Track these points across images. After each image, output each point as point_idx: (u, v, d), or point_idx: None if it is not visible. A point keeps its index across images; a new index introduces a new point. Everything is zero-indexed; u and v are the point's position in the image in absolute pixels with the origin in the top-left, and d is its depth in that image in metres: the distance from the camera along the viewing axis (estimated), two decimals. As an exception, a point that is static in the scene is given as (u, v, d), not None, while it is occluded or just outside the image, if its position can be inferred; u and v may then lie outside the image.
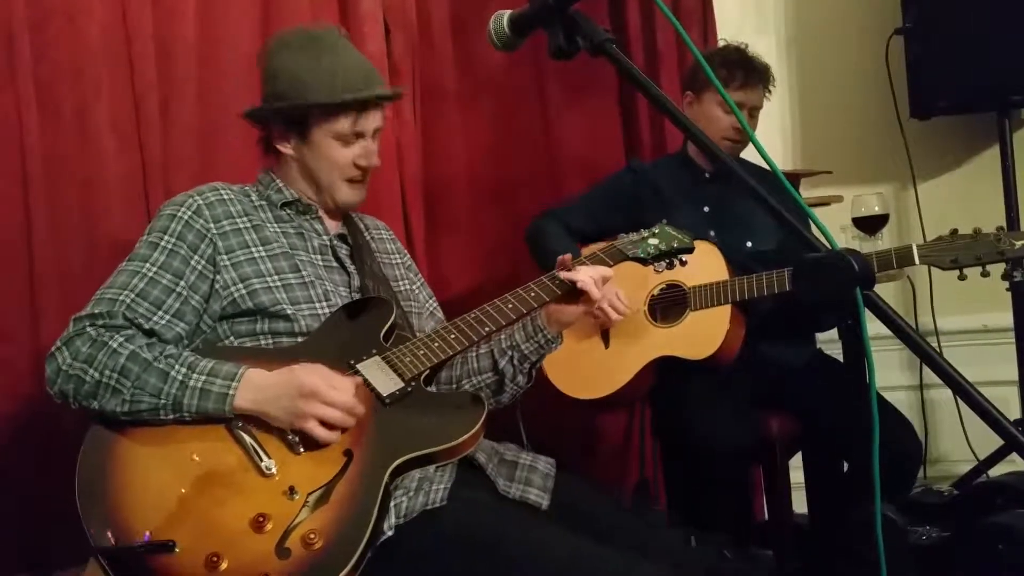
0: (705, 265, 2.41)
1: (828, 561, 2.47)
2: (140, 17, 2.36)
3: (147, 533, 1.41)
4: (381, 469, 1.49)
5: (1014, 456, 2.88)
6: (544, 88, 3.11)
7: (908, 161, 3.20)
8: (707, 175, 2.63)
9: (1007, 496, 2.44)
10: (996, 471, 2.84)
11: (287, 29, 1.94)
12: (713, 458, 2.31)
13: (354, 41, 2.71)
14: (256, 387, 1.50)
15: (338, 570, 1.38)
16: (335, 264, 1.79)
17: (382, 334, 1.67)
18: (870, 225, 2.57)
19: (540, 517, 1.57)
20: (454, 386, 1.83)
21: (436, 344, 1.66)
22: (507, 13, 1.35)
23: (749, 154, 2.71)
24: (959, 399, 1.03)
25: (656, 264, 1.94)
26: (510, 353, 1.79)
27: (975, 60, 2.85)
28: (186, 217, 1.67)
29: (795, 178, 3.10)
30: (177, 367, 1.51)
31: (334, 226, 1.85)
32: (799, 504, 2.59)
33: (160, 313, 1.60)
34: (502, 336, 1.81)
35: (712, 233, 2.53)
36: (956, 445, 3.15)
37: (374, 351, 1.64)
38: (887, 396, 2.50)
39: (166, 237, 1.65)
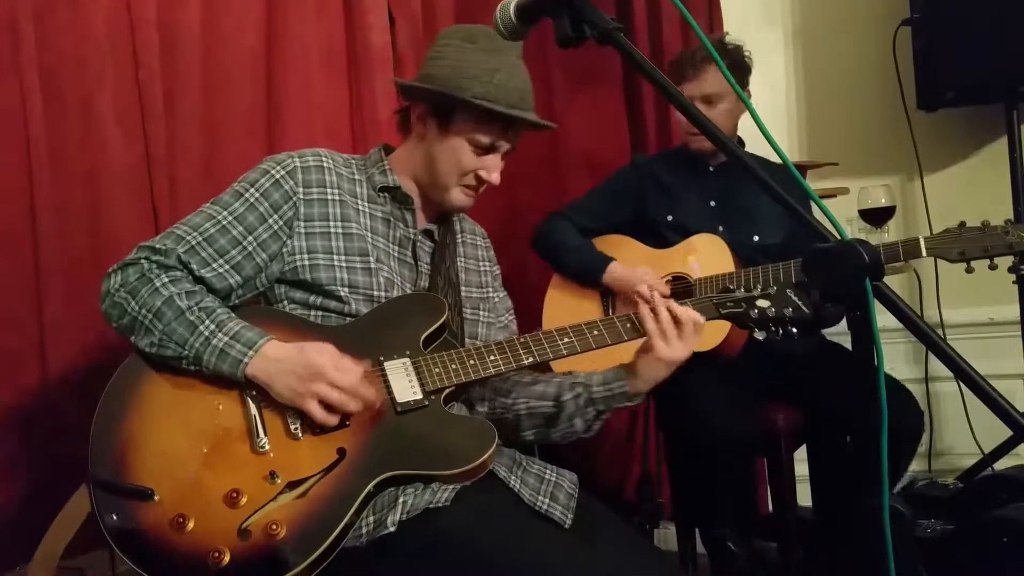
0: (712, 258, 2.41)
1: (833, 553, 2.47)
2: (144, 6, 2.35)
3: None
4: (366, 478, 1.46)
5: (1019, 450, 2.89)
6: (549, 80, 3.09)
7: (915, 153, 3.18)
8: (711, 168, 2.62)
9: (1012, 490, 2.44)
10: (1001, 465, 2.84)
11: (471, 25, 1.86)
12: (717, 451, 2.30)
13: (358, 32, 2.74)
14: (268, 359, 1.50)
15: (290, 567, 1.38)
16: (409, 260, 1.75)
17: (423, 336, 1.62)
18: (876, 217, 2.55)
19: (544, 531, 1.55)
20: (509, 400, 1.75)
21: (472, 362, 1.60)
22: (514, 1, 1.34)
23: (759, 147, 2.70)
24: (967, 390, 1.02)
25: (758, 330, 1.70)
26: (579, 390, 1.69)
27: (983, 51, 2.83)
28: (278, 176, 1.65)
29: (801, 170, 3.08)
30: (207, 322, 1.51)
31: (424, 221, 1.80)
32: (803, 497, 2.59)
33: (220, 261, 1.60)
34: (581, 372, 1.72)
35: (720, 228, 2.52)
36: (961, 438, 3.15)
37: (407, 352, 1.60)
38: (892, 389, 2.49)
39: (251, 190, 1.64)
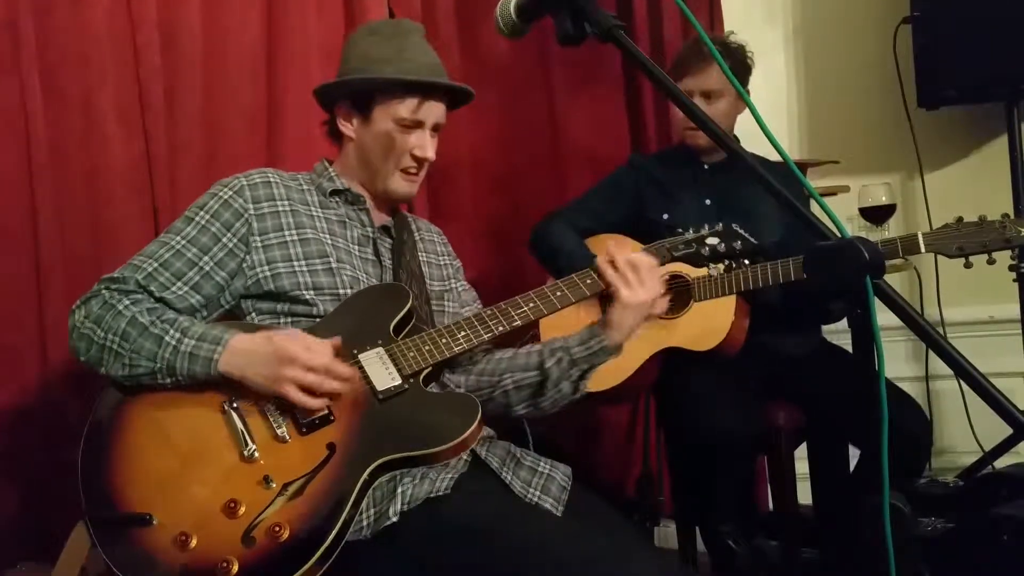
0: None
1: (834, 551, 2.47)
2: (145, 4, 2.35)
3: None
4: (360, 468, 1.47)
5: (1020, 447, 2.88)
6: (550, 77, 3.09)
7: (915, 151, 3.18)
8: (706, 167, 2.63)
9: (1012, 487, 2.43)
10: (1001, 462, 2.83)
11: (372, 21, 1.94)
12: (718, 449, 2.30)
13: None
14: (236, 352, 1.51)
15: (299, 564, 1.39)
16: (372, 256, 1.78)
17: (393, 324, 1.65)
18: (877, 215, 2.55)
19: (544, 517, 1.56)
20: (495, 379, 1.76)
21: (443, 341, 1.63)
22: (514, -1, 1.34)
23: (759, 145, 2.70)
24: (967, 388, 1.03)
25: (712, 267, 1.77)
26: (560, 355, 1.71)
27: (983, 49, 2.83)
28: (226, 197, 1.69)
29: (802, 168, 3.08)
30: (171, 332, 1.53)
31: (380, 219, 1.83)
32: (804, 495, 2.59)
33: (179, 284, 1.63)
34: (558, 337, 1.76)
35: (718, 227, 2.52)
36: (962, 436, 3.14)
37: (379, 342, 1.62)
38: (893, 387, 2.49)
39: (201, 213, 1.67)
